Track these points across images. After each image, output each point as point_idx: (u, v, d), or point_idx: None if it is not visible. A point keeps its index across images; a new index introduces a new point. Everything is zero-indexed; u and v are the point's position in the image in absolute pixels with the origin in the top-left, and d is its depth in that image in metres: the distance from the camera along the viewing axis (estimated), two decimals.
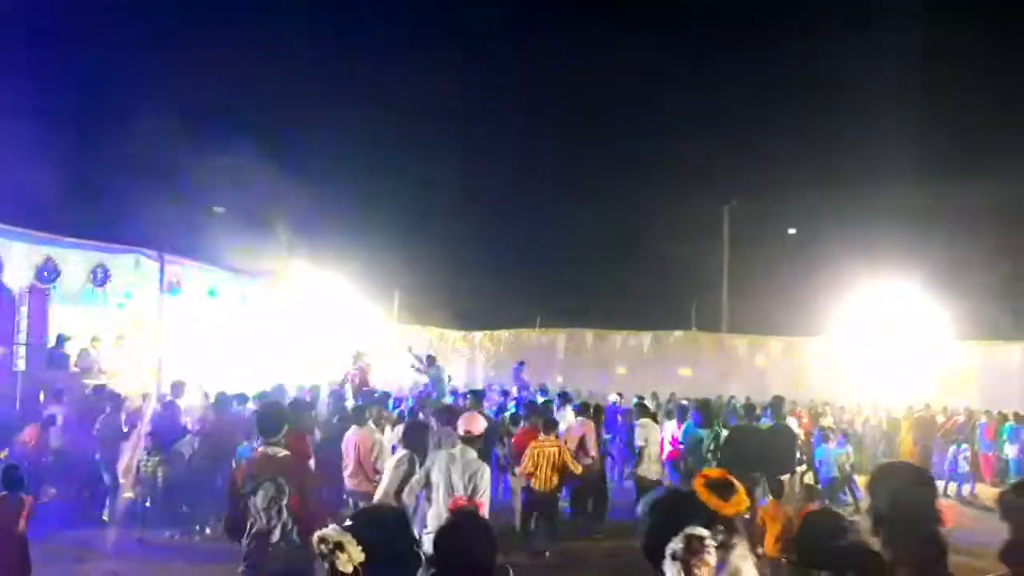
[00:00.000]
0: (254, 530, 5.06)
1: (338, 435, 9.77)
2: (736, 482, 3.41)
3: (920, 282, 21.18)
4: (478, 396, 12.46)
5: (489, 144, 29.48)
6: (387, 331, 21.18)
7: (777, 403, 11.65)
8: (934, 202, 24.72)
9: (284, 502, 5.07)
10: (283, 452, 5.38)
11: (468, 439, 6.35)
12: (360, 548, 2.62)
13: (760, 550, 3.30)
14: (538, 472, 9.59)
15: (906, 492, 2.93)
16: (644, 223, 27.30)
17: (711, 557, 2.64)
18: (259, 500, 5.05)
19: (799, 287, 24.10)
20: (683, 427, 11.30)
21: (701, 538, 2.64)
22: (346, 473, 9.21)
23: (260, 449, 5.45)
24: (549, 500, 9.80)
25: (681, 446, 11.14)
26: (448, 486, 6.11)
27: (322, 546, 2.63)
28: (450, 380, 17.20)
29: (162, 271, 13.77)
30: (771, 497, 8.61)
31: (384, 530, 2.77)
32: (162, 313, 13.78)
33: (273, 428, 5.43)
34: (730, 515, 3.28)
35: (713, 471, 3.54)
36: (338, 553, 2.60)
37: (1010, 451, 16.99)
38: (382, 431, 10.00)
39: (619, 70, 31.99)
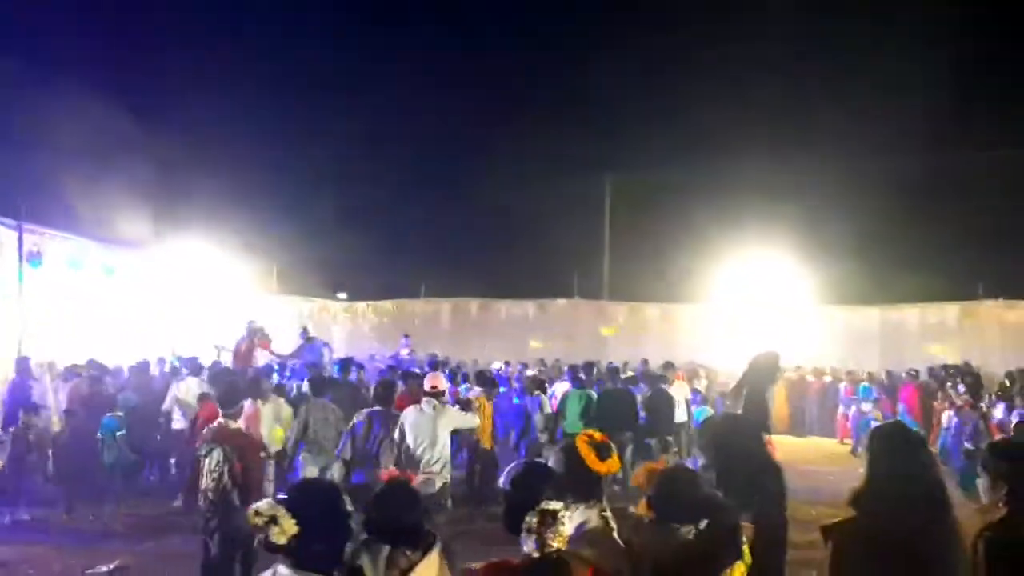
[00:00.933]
0: (202, 487, 5.99)
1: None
2: (613, 446, 3.64)
3: (789, 250, 22.27)
4: (347, 366, 12.37)
5: (373, 114, 28.92)
6: (266, 302, 20.65)
7: (664, 367, 12.11)
8: (801, 174, 25.98)
9: (227, 468, 5.91)
10: (236, 425, 6.28)
11: (435, 393, 7.42)
12: (294, 521, 2.67)
13: (632, 509, 3.44)
14: None
15: (728, 441, 3.12)
16: (528, 194, 27.47)
17: (565, 528, 2.84)
18: (210, 463, 5.94)
19: (677, 256, 24.91)
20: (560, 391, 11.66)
21: (555, 512, 2.82)
22: None
23: (220, 420, 6.22)
24: None
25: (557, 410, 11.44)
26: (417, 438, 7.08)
27: (256, 519, 2.66)
28: (331, 352, 16.92)
29: (20, 241, 12.97)
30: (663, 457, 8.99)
31: (318, 503, 2.82)
32: (22, 286, 12.97)
33: (232, 402, 6.33)
34: (602, 473, 3.50)
35: (597, 432, 3.73)
36: (272, 526, 2.64)
37: (866, 408, 18.15)
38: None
39: (504, 39, 32.03)
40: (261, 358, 14.35)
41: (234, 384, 7.35)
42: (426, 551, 3.06)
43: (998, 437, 9.57)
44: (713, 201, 25.37)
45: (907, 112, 24.80)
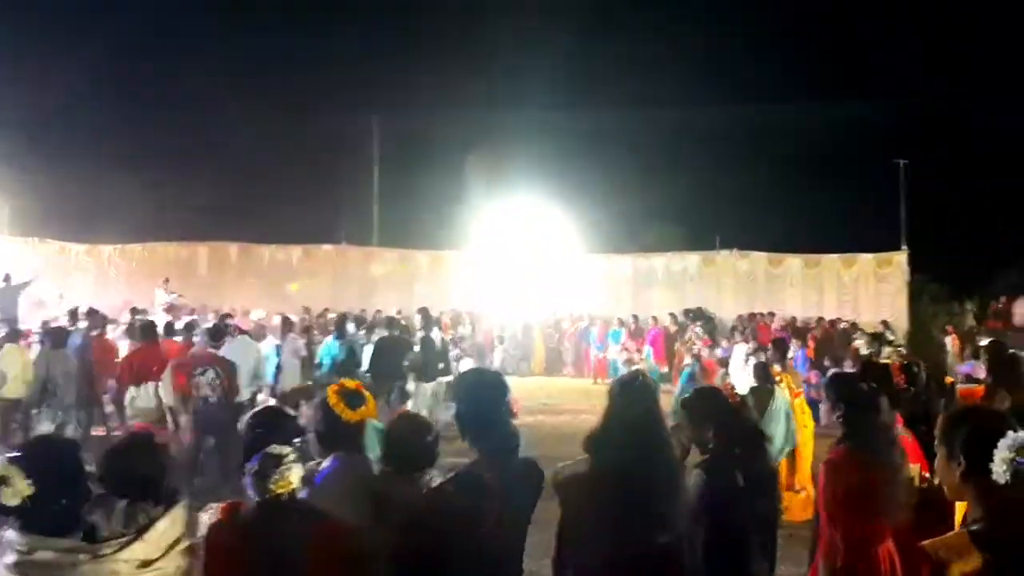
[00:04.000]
0: (201, 395, 7.98)
1: None
2: (367, 393, 3.59)
3: (551, 200, 23.13)
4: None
5: (127, 42, 26.30)
6: None
7: (423, 314, 12.17)
8: (563, 125, 26.99)
9: (220, 381, 8.06)
10: (219, 353, 8.46)
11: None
12: (28, 481, 2.52)
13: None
14: None
15: (479, 392, 3.21)
16: (293, 135, 26.36)
17: (292, 474, 2.74)
18: (207, 378, 8.02)
19: (446, 203, 25.08)
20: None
21: (278, 456, 2.74)
22: None
23: (209, 350, 8.39)
24: None
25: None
26: None
27: None
28: (62, 298, 15.49)
29: None
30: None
31: (54, 461, 2.67)
32: None
33: (218, 336, 8.66)
34: (354, 420, 3.44)
35: (349, 381, 3.63)
36: (3, 487, 2.49)
37: (613, 352, 19.43)
38: None
39: None
40: None
41: (223, 326, 9.12)
42: (168, 507, 2.84)
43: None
44: (480, 149, 25.69)
45: (655, 69, 26.42)
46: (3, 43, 22.00)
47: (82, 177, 22.95)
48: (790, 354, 10.51)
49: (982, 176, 25.42)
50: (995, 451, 2.24)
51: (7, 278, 13.95)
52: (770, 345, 9.75)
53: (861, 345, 14.55)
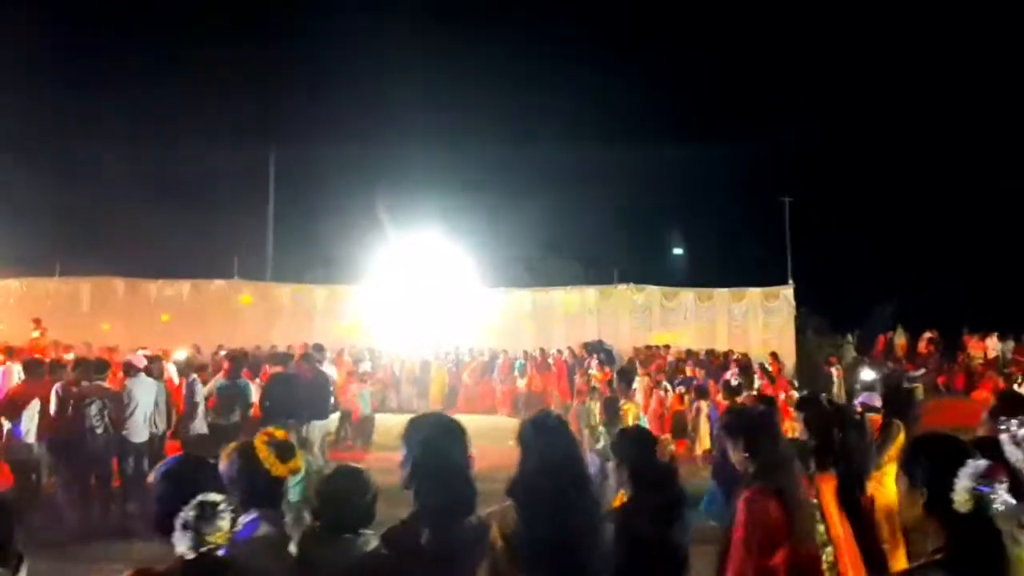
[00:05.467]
0: (88, 426, 8.36)
1: None
2: (295, 445, 3.32)
3: (452, 234, 23.16)
4: None
5: (12, 67, 25.08)
6: None
7: (316, 348, 11.92)
8: (465, 160, 27.18)
9: (107, 411, 8.52)
10: (106, 384, 8.91)
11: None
12: None
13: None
14: None
15: (436, 440, 3.07)
16: (186, 169, 25.65)
17: (226, 524, 2.50)
18: (93, 410, 8.41)
19: (343, 237, 24.77)
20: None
21: (215, 504, 2.50)
22: None
23: (96, 382, 8.72)
24: None
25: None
26: None
27: None
28: None
29: None
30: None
31: None
32: None
33: (103, 370, 9.03)
34: (283, 475, 3.20)
35: (278, 431, 3.29)
36: None
37: (521, 383, 19.48)
38: None
39: (167, 9, 29.63)
40: None
41: (104, 361, 9.73)
42: (15, 573, 2.62)
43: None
44: (380, 184, 25.55)
45: (555, 109, 26.97)
46: None
47: None
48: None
49: (863, 214, 26.86)
50: (956, 480, 2.24)
51: None
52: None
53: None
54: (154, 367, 10.37)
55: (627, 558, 3.43)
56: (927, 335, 22.80)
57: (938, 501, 2.29)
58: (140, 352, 15.04)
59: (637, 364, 16.50)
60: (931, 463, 2.35)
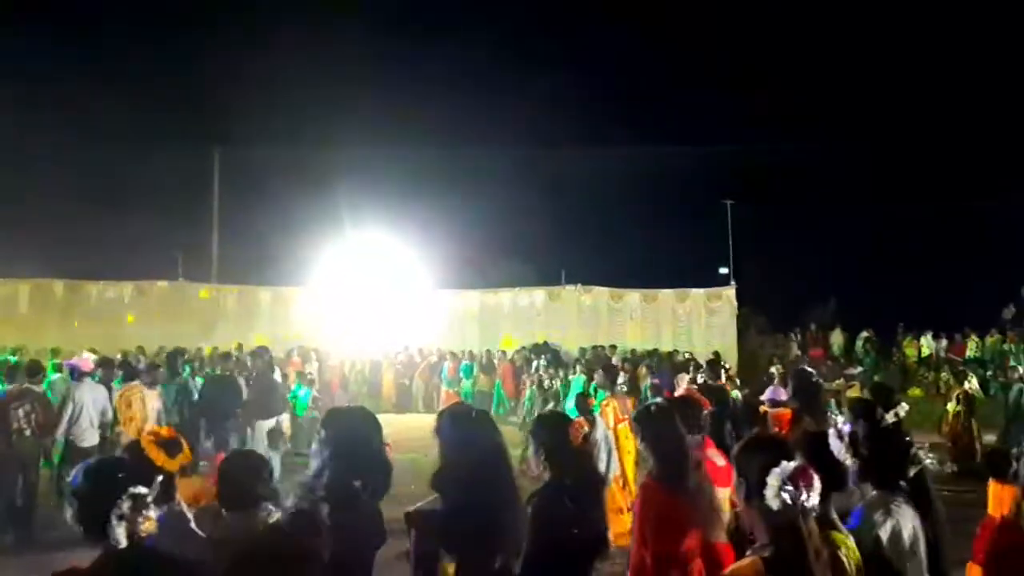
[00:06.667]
0: (14, 427, 8.28)
1: None
2: (183, 440, 3.52)
3: (400, 235, 23.14)
4: None
5: None
6: None
7: (260, 352, 11.88)
8: (413, 161, 27.14)
9: (33, 415, 8.44)
10: (36, 388, 8.90)
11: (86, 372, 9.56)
12: None
13: None
14: None
15: (351, 431, 3.22)
16: (127, 166, 25.13)
17: (153, 513, 2.65)
18: (21, 412, 8.37)
19: (290, 238, 24.56)
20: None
21: (144, 496, 2.64)
22: None
23: (26, 385, 8.75)
24: None
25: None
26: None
27: None
28: None
29: None
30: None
31: None
32: None
33: (36, 372, 9.07)
34: (174, 470, 3.37)
35: (163, 429, 3.64)
36: None
37: (466, 385, 19.56)
38: None
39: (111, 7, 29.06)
40: None
41: (38, 363, 9.60)
42: None
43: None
44: (327, 183, 25.40)
45: (505, 110, 27.10)
46: None
47: None
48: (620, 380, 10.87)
49: (801, 215, 27.51)
50: (768, 479, 2.44)
51: None
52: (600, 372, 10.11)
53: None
54: (104, 371, 10.28)
55: (546, 539, 3.56)
56: (864, 334, 23.48)
57: (753, 497, 2.50)
58: (87, 355, 14.88)
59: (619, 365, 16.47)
60: (752, 461, 2.56)
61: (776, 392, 6.49)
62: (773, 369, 19.80)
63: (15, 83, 24.21)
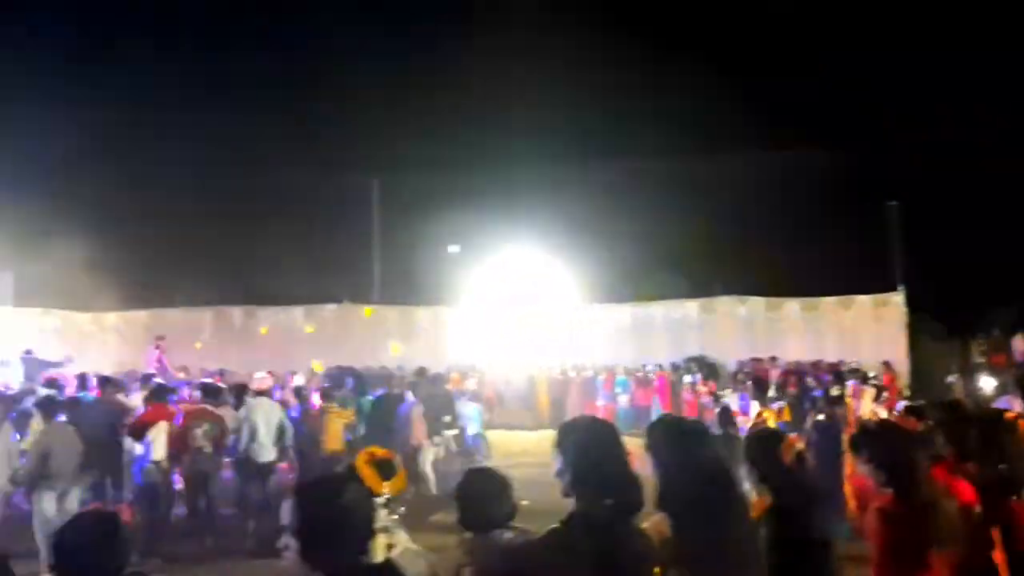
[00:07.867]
0: (196, 445, 9.23)
1: None
2: (398, 463, 3.32)
3: (552, 251, 23.34)
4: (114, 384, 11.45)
5: (123, 105, 26.64)
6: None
7: (419, 371, 12.30)
8: (562, 176, 27.26)
9: (214, 434, 9.34)
10: (216, 409, 9.80)
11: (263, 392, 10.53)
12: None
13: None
14: None
15: (593, 444, 2.97)
16: (293, 196, 26.65)
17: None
18: (200, 433, 9.26)
19: (447, 259, 25.26)
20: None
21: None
22: None
23: (202, 405, 9.99)
24: None
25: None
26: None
27: None
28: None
29: None
30: None
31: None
32: None
33: (216, 393, 10.32)
34: (388, 494, 3.13)
35: (379, 449, 3.39)
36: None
37: (622, 400, 19.47)
38: None
39: (269, 39, 31.01)
40: None
41: (216, 385, 10.91)
42: None
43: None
44: (480, 203, 25.91)
45: (651, 120, 26.78)
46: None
47: (82, 244, 23.04)
48: None
49: (976, 215, 25.63)
50: None
51: (29, 352, 14.36)
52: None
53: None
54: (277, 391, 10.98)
55: (782, 559, 3.45)
56: None
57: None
58: (259, 375, 15.88)
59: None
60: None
61: (1009, 402, 6.03)
62: (951, 378, 18.66)
63: (195, 117, 26.20)
